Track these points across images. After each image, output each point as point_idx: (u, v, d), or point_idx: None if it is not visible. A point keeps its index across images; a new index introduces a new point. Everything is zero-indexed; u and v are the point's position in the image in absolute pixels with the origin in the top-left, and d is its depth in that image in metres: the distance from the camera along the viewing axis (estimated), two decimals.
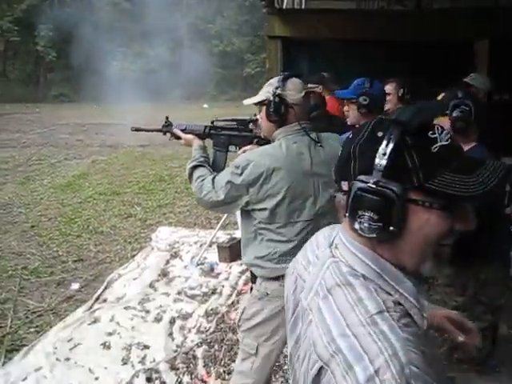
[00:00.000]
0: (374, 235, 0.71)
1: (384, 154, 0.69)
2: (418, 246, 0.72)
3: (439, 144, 0.70)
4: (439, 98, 1.96)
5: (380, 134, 0.71)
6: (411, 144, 0.69)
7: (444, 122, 1.83)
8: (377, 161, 0.69)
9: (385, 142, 0.69)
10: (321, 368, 0.67)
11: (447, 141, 0.71)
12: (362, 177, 0.71)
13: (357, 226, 0.72)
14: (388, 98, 2.70)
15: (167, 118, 2.15)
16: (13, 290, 3.63)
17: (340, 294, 0.71)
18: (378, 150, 0.70)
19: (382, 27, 3.54)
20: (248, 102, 1.87)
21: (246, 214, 1.79)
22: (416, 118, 0.71)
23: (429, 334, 0.77)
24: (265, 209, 1.70)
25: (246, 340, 1.83)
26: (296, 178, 1.69)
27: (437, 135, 0.71)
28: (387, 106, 2.68)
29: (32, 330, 3.09)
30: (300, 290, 0.83)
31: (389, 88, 2.79)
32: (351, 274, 0.73)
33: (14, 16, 25.20)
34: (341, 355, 0.64)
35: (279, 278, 1.73)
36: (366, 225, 0.70)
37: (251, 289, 1.88)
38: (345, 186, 0.74)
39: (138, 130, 2.28)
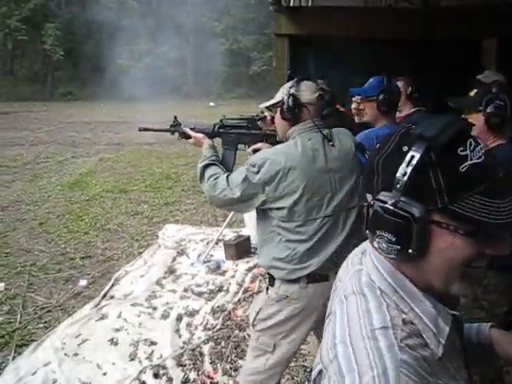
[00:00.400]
0: (393, 256, 0.68)
1: (406, 172, 0.64)
2: (441, 269, 0.67)
3: (469, 163, 0.63)
4: (472, 94, 1.85)
5: (405, 148, 0.65)
6: (436, 162, 0.63)
7: (477, 118, 1.75)
8: (398, 178, 0.64)
9: (408, 158, 0.64)
10: (321, 370, 0.68)
11: (479, 158, 0.64)
12: (382, 194, 0.67)
13: (376, 244, 0.69)
14: None
15: (175, 117, 2.12)
16: (22, 286, 3.67)
17: (353, 302, 0.70)
18: (400, 165, 0.64)
19: (389, 25, 3.53)
20: (264, 105, 1.86)
21: (263, 214, 1.76)
22: (446, 132, 0.64)
23: (445, 362, 0.69)
24: (283, 207, 1.68)
25: (262, 338, 1.78)
26: (312, 175, 1.68)
27: (467, 152, 0.64)
28: None
29: (41, 325, 3.13)
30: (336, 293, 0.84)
31: None
32: (368, 285, 0.71)
33: (21, 15, 25.42)
34: (336, 362, 0.64)
35: (299, 279, 1.70)
36: (384, 245, 0.67)
37: (267, 289, 1.82)
38: (369, 198, 0.71)
39: (145, 130, 2.24)
